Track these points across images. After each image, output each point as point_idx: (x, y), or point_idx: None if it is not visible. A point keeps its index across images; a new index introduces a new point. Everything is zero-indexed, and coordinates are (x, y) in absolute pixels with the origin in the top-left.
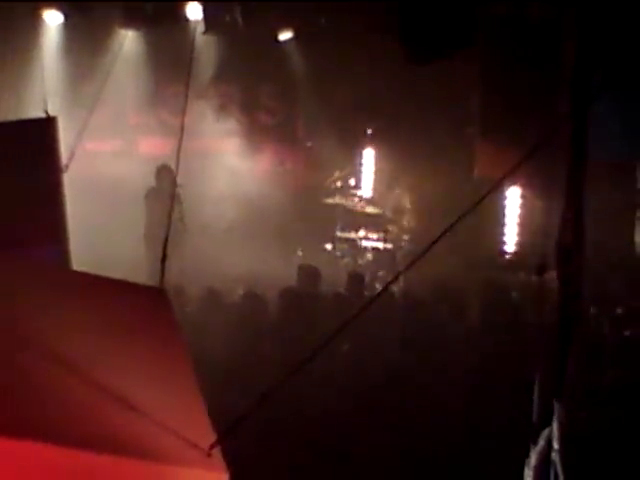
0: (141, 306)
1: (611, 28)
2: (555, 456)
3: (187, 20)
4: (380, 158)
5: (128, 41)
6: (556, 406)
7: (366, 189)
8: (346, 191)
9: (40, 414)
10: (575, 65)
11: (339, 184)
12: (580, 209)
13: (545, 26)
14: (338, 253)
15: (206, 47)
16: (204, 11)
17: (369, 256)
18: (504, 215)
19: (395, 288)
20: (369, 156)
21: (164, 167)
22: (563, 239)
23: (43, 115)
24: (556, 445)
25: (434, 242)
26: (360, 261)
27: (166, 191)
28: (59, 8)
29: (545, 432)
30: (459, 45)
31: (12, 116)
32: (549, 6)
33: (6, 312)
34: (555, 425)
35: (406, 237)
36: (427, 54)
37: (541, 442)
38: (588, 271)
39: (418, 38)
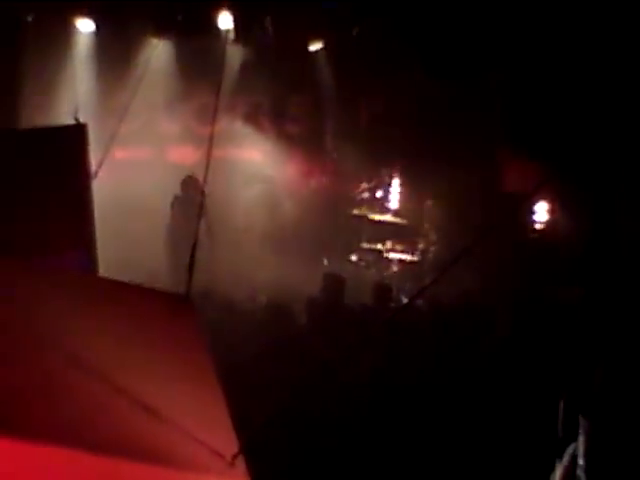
0: (166, 313)
1: None
2: (580, 472)
3: (218, 30)
4: (407, 170)
5: (159, 50)
6: (582, 422)
7: (393, 201)
8: (372, 202)
9: (61, 418)
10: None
11: (366, 195)
12: (611, 224)
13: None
14: (363, 264)
15: (236, 56)
16: (235, 21)
17: (394, 268)
18: (531, 229)
19: (421, 300)
20: (396, 168)
21: (190, 176)
22: (593, 254)
23: (73, 122)
24: (581, 461)
25: (459, 257)
26: (385, 273)
27: (192, 200)
28: (91, 16)
29: (570, 448)
30: (482, 64)
31: (43, 122)
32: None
33: (31, 316)
34: (580, 441)
35: (432, 249)
36: (448, 71)
37: (566, 458)
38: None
39: (440, 56)
